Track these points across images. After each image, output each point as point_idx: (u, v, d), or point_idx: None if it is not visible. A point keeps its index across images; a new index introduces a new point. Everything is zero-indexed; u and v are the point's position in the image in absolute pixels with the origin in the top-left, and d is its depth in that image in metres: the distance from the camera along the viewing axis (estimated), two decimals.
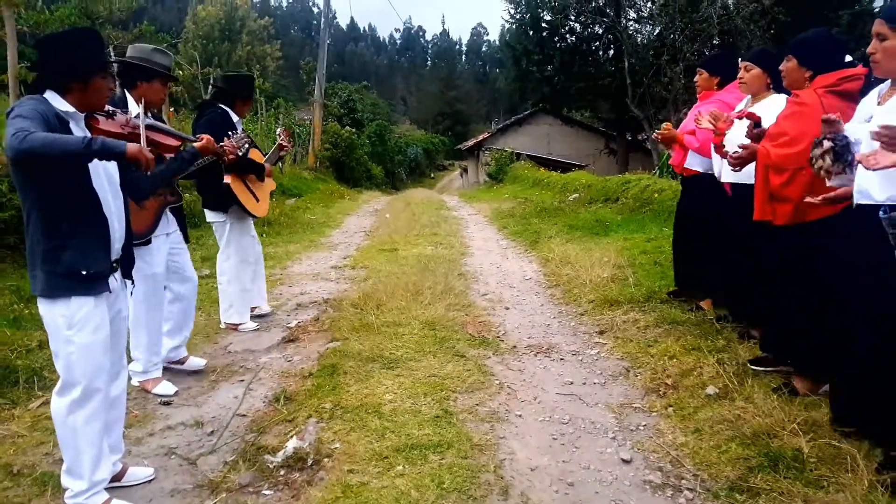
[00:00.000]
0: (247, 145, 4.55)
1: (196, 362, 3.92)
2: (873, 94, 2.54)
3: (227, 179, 4.38)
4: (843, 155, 2.43)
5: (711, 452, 2.68)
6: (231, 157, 3.98)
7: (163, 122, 3.74)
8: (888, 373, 2.40)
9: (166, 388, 3.54)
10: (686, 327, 4.17)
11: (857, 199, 2.40)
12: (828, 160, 2.45)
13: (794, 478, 2.43)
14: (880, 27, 2.35)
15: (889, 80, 2.43)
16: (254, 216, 4.64)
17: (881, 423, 2.48)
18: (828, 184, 2.60)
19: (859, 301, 2.51)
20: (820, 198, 2.62)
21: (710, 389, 3.22)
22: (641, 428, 3.01)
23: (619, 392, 3.45)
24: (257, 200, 4.62)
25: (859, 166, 2.31)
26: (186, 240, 3.86)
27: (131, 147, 2.21)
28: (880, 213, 2.25)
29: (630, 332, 4.28)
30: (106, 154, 2.16)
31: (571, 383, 3.60)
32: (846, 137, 2.45)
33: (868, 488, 2.30)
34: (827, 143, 2.45)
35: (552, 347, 4.19)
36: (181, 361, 3.89)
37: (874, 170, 2.08)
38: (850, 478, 2.36)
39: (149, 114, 3.49)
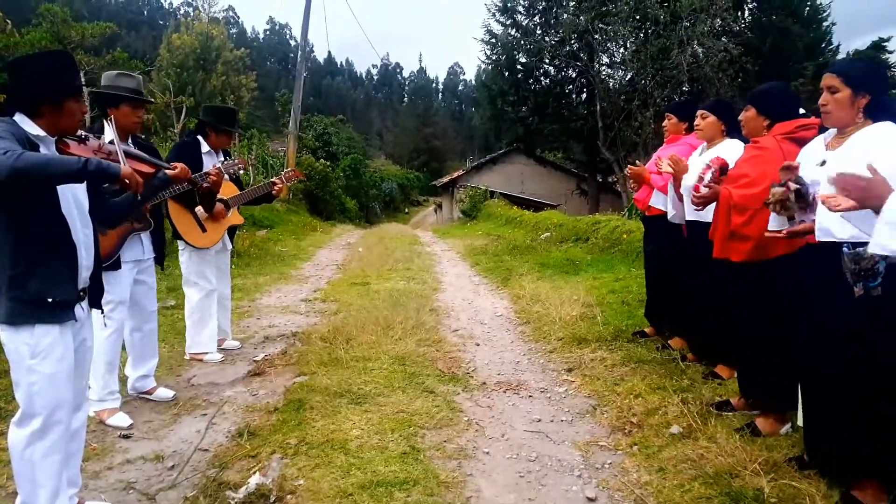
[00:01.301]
0: (240, 171, 4.53)
1: (164, 393, 3.87)
2: (819, 141, 2.73)
3: (170, 208, 4.28)
4: (805, 196, 2.61)
5: (675, 491, 2.69)
6: (206, 186, 3.98)
7: (151, 147, 3.77)
8: (846, 411, 2.47)
9: (121, 419, 3.46)
10: (652, 366, 4.23)
11: (819, 237, 2.51)
12: (792, 198, 2.62)
13: None
14: (831, 80, 2.53)
15: (835, 129, 2.62)
16: (193, 247, 4.48)
17: (840, 459, 2.55)
18: (771, 226, 2.82)
19: (817, 337, 2.61)
20: (785, 230, 2.73)
21: (675, 428, 3.26)
22: (607, 466, 3.02)
23: (585, 430, 3.47)
24: (204, 231, 4.46)
25: (819, 206, 2.44)
26: (161, 265, 3.86)
27: (125, 169, 2.25)
28: (844, 248, 2.35)
29: (597, 370, 4.32)
30: (100, 175, 2.18)
31: (539, 420, 3.60)
32: (806, 181, 2.61)
33: None
34: (793, 185, 2.61)
35: (521, 384, 4.20)
36: (149, 392, 3.84)
37: (835, 211, 2.19)
38: None
39: (129, 139, 3.52)
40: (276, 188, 4.68)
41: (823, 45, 24.27)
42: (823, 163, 2.58)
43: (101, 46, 16.68)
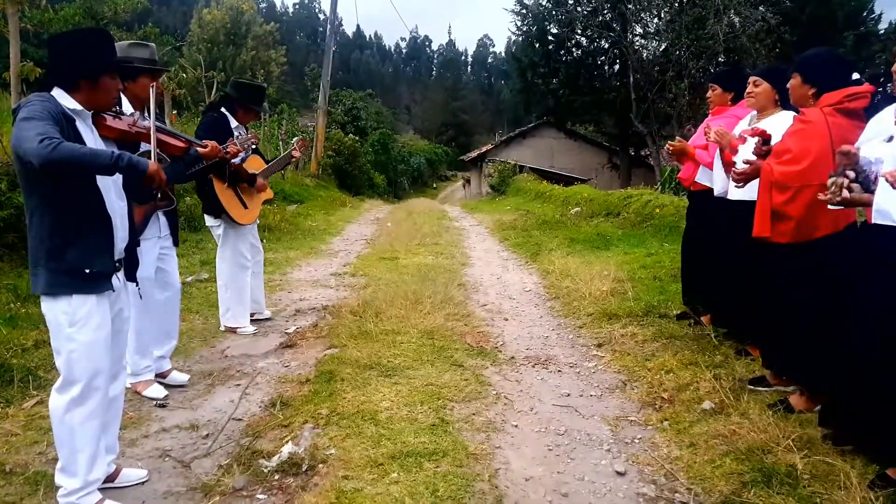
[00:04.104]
0: (253, 147, 4.57)
1: (178, 377, 3.73)
2: (889, 112, 2.48)
3: (215, 185, 4.32)
4: (866, 185, 2.34)
5: (706, 467, 2.68)
6: (234, 161, 4.00)
7: (164, 123, 3.74)
8: (888, 390, 2.41)
9: (157, 391, 3.50)
10: (684, 342, 4.18)
11: (876, 219, 2.31)
12: (856, 188, 2.34)
13: (787, 494, 2.42)
14: None
15: None
16: (239, 224, 4.56)
17: (877, 440, 2.50)
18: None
19: (864, 318, 2.52)
20: (839, 198, 2.39)
21: (706, 404, 3.23)
22: (636, 441, 3.01)
23: (615, 405, 3.45)
24: (246, 208, 4.56)
25: (880, 186, 2.24)
26: (175, 243, 3.72)
27: (151, 166, 2.33)
28: None
29: (628, 345, 4.29)
30: (129, 170, 2.25)
31: (568, 395, 3.60)
32: (865, 167, 2.36)
33: None
34: (851, 173, 2.35)
35: (550, 359, 4.19)
36: (164, 375, 3.69)
37: None
38: (843, 495, 2.36)
39: (146, 113, 3.45)
40: (292, 160, 5.00)
41: (865, 14, 23.24)
42: (891, 138, 2.35)
43: (132, 22, 16.76)
